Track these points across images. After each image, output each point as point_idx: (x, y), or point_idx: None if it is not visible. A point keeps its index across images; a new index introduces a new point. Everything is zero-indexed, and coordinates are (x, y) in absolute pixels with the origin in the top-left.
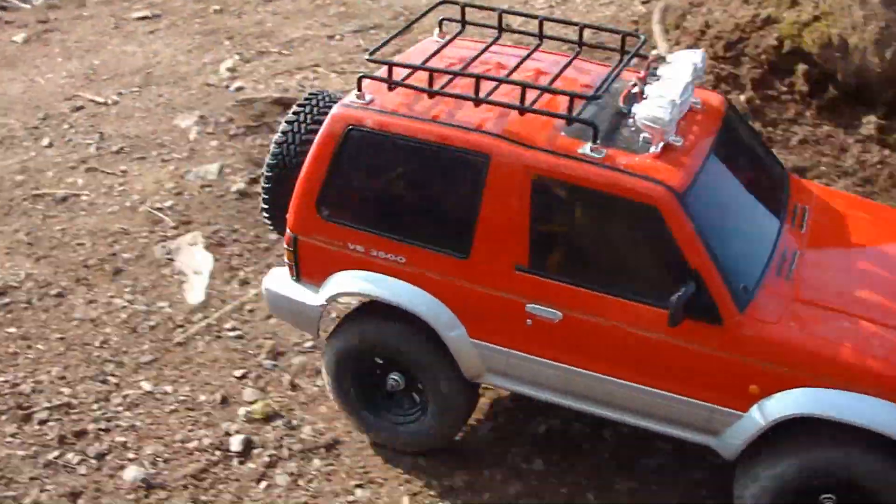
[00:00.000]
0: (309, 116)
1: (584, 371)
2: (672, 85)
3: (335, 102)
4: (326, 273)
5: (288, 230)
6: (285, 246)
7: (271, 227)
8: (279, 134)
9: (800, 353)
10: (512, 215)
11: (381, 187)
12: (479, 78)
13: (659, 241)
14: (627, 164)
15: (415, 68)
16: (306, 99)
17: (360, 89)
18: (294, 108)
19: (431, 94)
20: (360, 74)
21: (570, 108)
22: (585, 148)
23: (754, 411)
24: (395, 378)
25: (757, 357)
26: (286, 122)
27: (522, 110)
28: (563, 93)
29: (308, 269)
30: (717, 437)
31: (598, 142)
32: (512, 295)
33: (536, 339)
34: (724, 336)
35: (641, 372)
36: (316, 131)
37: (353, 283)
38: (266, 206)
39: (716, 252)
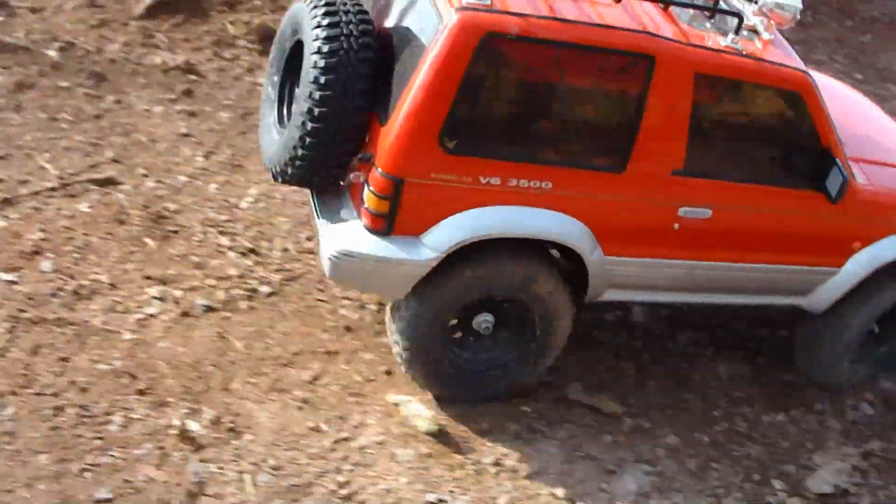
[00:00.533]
0: (355, 25)
1: (717, 263)
2: None
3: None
4: (439, 218)
5: (383, 173)
6: (375, 193)
7: (303, 183)
8: (325, 53)
9: (890, 205)
10: (674, 119)
11: (524, 106)
12: None
13: (800, 126)
14: (764, 53)
15: None
16: (330, 2)
17: None
18: (322, 12)
19: None
20: None
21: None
22: (728, 40)
23: (852, 264)
24: (486, 320)
25: (862, 216)
26: (328, 35)
27: (668, 4)
28: None
29: (412, 218)
30: (809, 295)
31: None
32: (665, 202)
33: (679, 241)
34: (846, 204)
35: (771, 252)
36: (369, 45)
37: (488, 222)
38: (312, 155)
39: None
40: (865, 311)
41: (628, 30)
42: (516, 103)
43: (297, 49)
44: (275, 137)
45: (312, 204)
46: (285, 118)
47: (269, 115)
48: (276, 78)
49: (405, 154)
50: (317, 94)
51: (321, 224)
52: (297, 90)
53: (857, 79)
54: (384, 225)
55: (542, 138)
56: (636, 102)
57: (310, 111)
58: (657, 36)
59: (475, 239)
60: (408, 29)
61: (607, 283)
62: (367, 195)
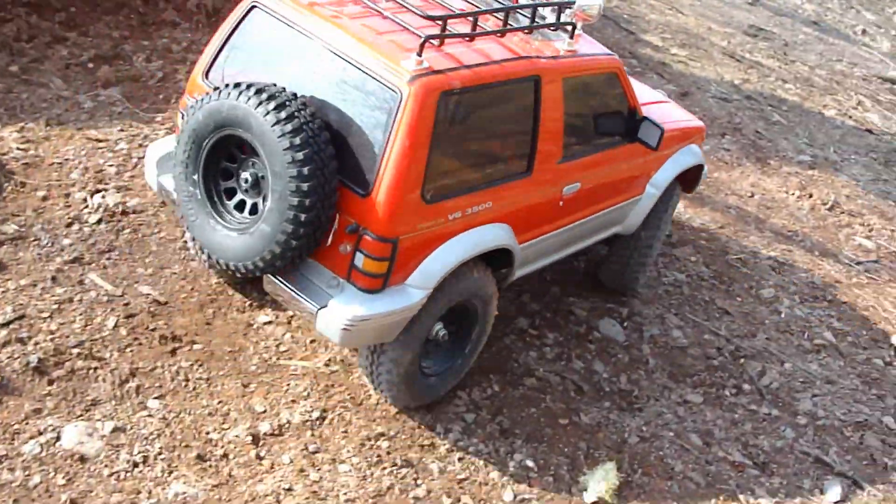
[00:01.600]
0: (305, 110)
1: (581, 220)
2: None
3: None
4: (419, 262)
5: (379, 238)
6: (373, 258)
7: (280, 268)
8: (298, 146)
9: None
10: (555, 120)
11: (471, 143)
12: (479, 14)
13: (620, 98)
14: (587, 48)
15: (464, 15)
16: (274, 95)
17: (420, 54)
18: (274, 107)
19: (472, 38)
20: (424, 38)
21: (558, 16)
22: (566, 45)
23: (650, 187)
24: (441, 328)
25: (656, 153)
26: (294, 127)
27: (532, 28)
28: (544, 4)
29: (402, 269)
30: (625, 222)
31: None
32: (554, 187)
33: (561, 214)
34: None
35: (613, 197)
36: (327, 126)
37: (458, 252)
38: (303, 241)
39: None
40: (665, 222)
41: (522, 58)
42: (466, 142)
43: (220, 144)
44: (228, 234)
45: (277, 283)
46: (225, 214)
47: (200, 213)
48: (195, 176)
49: (399, 217)
50: (304, 186)
51: (302, 300)
52: (259, 188)
53: None
54: (382, 283)
55: (483, 166)
56: (533, 114)
57: (300, 203)
58: (538, 58)
59: (453, 268)
60: (351, 102)
61: (519, 266)
62: (365, 261)
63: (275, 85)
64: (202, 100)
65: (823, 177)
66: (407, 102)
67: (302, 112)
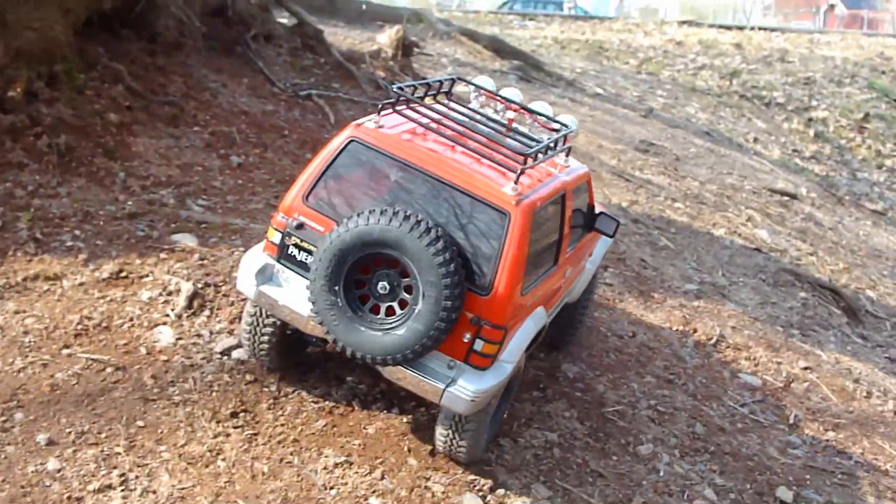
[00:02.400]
0: (443, 232)
1: (564, 295)
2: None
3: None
4: (509, 341)
5: (496, 326)
6: (490, 342)
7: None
8: (447, 260)
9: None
10: (569, 221)
11: (537, 246)
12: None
13: (587, 199)
14: (574, 163)
15: (540, 150)
16: (422, 220)
17: (517, 182)
18: (422, 230)
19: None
20: (519, 171)
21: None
22: (563, 160)
23: (588, 263)
24: None
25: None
26: (443, 246)
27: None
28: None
29: (503, 349)
30: (572, 293)
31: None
32: (564, 273)
33: (560, 293)
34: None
35: (578, 272)
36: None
37: (530, 332)
38: (445, 333)
39: None
40: (595, 286)
41: (556, 177)
42: (536, 246)
43: (362, 261)
44: (373, 334)
45: (404, 370)
46: (365, 317)
47: (342, 318)
48: (336, 287)
49: (510, 309)
50: (454, 292)
51: (428, 381)
52: (397, 293)
53: None
54: (491, 362)
55: (540, 263)
56: (561, 218)
57: (451, 305)
58: (562, 176)
59: (527, 345)
60: (465, 222)
61: None
62: (483, 345)
63: (417, 213)
64: (350, 223)
65: (709, 307)
66: (515, 221)
67: (443, 233)
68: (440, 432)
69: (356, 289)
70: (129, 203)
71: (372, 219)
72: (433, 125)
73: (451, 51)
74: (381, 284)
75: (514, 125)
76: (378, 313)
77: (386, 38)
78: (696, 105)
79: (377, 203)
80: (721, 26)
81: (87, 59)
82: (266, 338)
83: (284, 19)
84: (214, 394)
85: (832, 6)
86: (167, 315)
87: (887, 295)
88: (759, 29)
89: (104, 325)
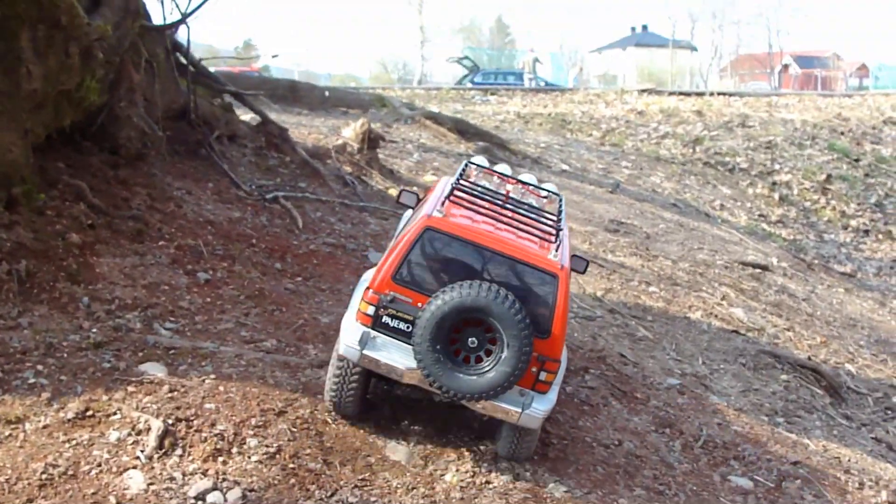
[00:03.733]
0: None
1: None
2: None
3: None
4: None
5: (554, 360)
6: (551, 372)
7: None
8: (522, 317)
9: None
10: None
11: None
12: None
13: None
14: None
15: (559, 228)
16: (502, 290)
17: (557, 251)
18: (505, 297)
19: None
20: (557, 244)
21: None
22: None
23: None
24: None
25: None
26: (519, 309)
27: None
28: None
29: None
30: None
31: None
32: None
33: None
34: None
35: None
36: None
37: (564, 362)
38: (522, 374)
39: None
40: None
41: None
42: None
43: (455, 324)
44: (469, 378)
45: (490, 402)
46: (461, 366)
47: (444, 370)
48: (438, 346)
49: (561, 347)
50: (530, 340)
51: (508, 407)
52: (483, 345)
53: None
54: (549, 388)
55: None
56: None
57: (529, 351)
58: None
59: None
60: (524, 285)
61: None
62: (546, 375)
63: (499, 285)
64: (445, 295)
65: (693, 403)
66: (562, 281)
67: (516, 299)
68: (505, 443)
69: (450, 345)
70: (94, 331)
71: (464, 291)
72: (482, 210)
73: (415, 135)
74: (470, 339)
75: (510, 195)
76: (469, 363)
77: (351, 131)
78: (661, 174)
79: (458, 277)
80: (681, 93)
81: (47, 177)
82: (352, 391)
83: (249, 116)
84: None
85: (786, 66)
86: (137, 457)
87: (866, 367)
88: (719, 94)
89: (70, 473)
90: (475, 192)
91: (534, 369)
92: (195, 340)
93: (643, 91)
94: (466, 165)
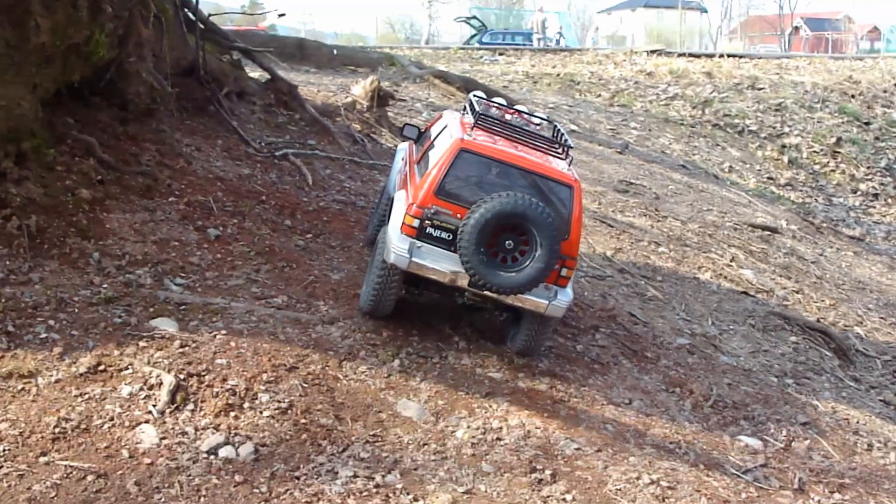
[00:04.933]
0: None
1: None
2: None
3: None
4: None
5: (573, 258)
6: (571, 269)
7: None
8: (554, 222)
9: None
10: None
11: None
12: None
13: None
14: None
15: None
16: (535, 199)
17: (570, 167)
18: (539, 204)
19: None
20: (569, 161)
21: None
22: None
23: None
24: None
25: None
26: (550, 214)
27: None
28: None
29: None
30: None
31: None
32: None
33: None
34: None
35: None
36: None
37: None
38: (552, 269)
39: None
40: None
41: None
42: None
43: (498, 227)
44: (508, 275)
45: (521, 296)
46: (500, 264)
47: (486, 267)
48: (482, 248)
49: (578, 247)
50: (559, 241)
51: (538, 300)
52: (518, 246)
53: None
54: (568, 282)
55: None
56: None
57: (558, 250)
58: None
59: None
60: (548, 194)
61: None
62: (566, 272)
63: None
64: (486, 204)
65: (703, 363)
66: (576, 190)
67: (548, 206)
68: (522, 338)
69: (489, 248)
70: (105, 286)
71: (504, 201)
72: (504, 129)
73: (424, 94)
74: (507, 242)
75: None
76: (506, 262)
77: (360, 89)
78: (670, 136)
79: (492, 190)
80: (690, 54)
81: (56, 133)
82: (392, 294)
83: (257, 74)
84: (203, 499)
85: (797, 28)
86: (149, 412)
87: (875, 330)
88: (728, 56)
89: (83, 426)
90: (491, 119)
91: (557, 266)
92: (206, 296)
93: (652, 52)
94: (474, 98)
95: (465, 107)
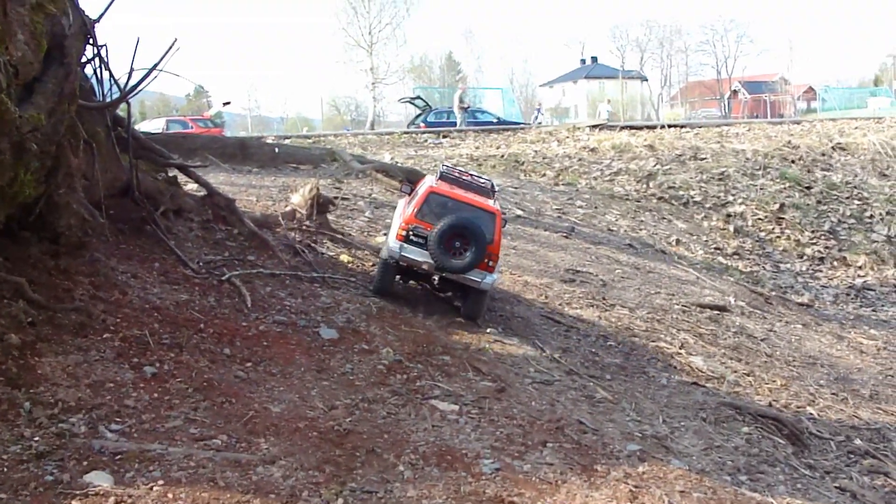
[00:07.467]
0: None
1: None
2: None
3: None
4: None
5: (495, 255)
6: (494, 261)
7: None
8: (485, 233)
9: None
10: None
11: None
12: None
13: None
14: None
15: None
16: (474, 218)
17: (494, 202)
18: (478, 221)
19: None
20: (494, 196)
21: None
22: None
23: None
24: None
25: None
26: (483, 228)
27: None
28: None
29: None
30: None
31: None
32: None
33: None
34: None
35: None
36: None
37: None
38: (482, 259)
39: None
40: None
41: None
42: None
43: (450, 236)
44: (456, 261)
45: (464, 276)
46: (452, 256)
47: (444, 257)
48: (442, 247)
49: (499, 248)
50: (485, 243)
51: (476, 279)
52: (463, 245)
53: None
54: (494, 270)
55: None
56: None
57: (484, 248)
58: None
59: None
60: (480, 218)
61: None
62: (491, 263)
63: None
64: (444, 221)
65: (655, 470)
66: (497, 217)
67: (480, 223)
68: (469, 306)
69: (446, 246)
70: (37, 439)
71: (454, 219)
72: (457, 182)
73: (367, 190)
74: (456, 243)
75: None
76: (455, 255)
77: (299, 197)
78: (616, 212)
79: (450, 214)
80: (632, 127)
81: None
82: (390, 278)
83: (195, 186)
84: None
85: (735, 92)
86: None
87: (827, 409)
88: (670, 126)
89: None
90: (451, 177)
91: (486, 259)
92: (142, 442)
93: (594, 126)
94: (442, 167)
95: (438, 171)
